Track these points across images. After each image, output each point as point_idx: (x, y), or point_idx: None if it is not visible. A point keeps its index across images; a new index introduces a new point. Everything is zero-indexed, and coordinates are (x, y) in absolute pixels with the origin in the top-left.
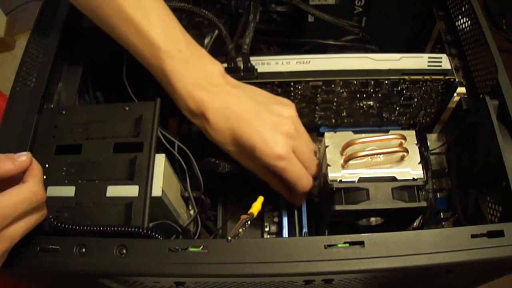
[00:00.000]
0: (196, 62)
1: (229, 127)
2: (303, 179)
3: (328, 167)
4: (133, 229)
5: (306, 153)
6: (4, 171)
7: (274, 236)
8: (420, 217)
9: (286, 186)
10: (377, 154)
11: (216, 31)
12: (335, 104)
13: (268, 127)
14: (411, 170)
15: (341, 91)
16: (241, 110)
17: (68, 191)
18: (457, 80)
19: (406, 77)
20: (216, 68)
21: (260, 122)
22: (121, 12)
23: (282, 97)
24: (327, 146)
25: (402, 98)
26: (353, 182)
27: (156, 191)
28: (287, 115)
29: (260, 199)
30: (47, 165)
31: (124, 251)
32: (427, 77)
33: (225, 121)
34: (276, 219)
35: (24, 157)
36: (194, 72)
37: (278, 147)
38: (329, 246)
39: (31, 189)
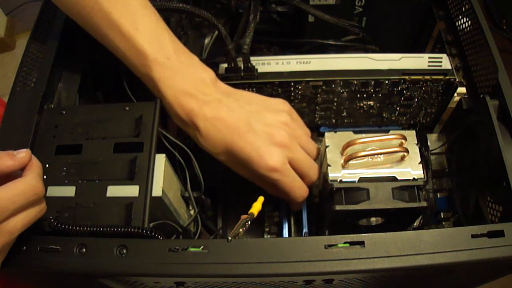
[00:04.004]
0: (185, 69)
1: (221, 138)
2: (297, 190)
3: (328, 167)
4: (133, 229)
5: (302, 161)
6: (4, 167)
7: (274, 236)
8: (420, 217)
9: (282, 193)
10: (378, 154)
11: (216, 31)
12: (335, 104)
13: (262, 139)
14: (412, 170)
15: (341, 91)
16: (233, 121)
17: (68, 191)
18: (457, 80)
19: (407, 77)
20: (207, 75)
21: (253, 134)
22: (109, 20)
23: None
24: (327, 146)
25: (402, 98)
26: (353, 182)
27: (157, 191)
28: (281, 123)
29: (261, 199)
30: (47, 165)
31: (124, 251)
32: (427, 77)
33: (217, 132)
34: (276, 219)
35: (23, 154)
36: (183, 80)
37: (272, 159)
38: (329, 246)
39: (29, 183)
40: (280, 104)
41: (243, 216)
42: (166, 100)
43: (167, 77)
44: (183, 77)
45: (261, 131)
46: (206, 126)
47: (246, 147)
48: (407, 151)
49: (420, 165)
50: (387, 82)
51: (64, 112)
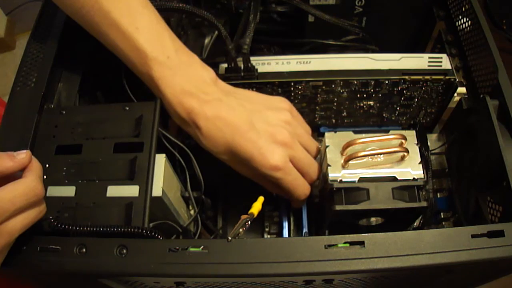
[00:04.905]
0: (185, 68)
1: (223, 137)
2: (300, 188)
3: (329, 167)
4: (133, 229)
5: (303, 160)
6: (4, 168)
7: (274, 236)
8: (420, 217)
9: (284, 191)
10: (378, 154)
11: (217, 31)
12: (335, 104)
13: (264, 137)
14: (412, 170)
15: (341, 91)
16: (234, 120)
17: (68, 191)
18: (457, 80)
19: (407, 77)
20: (207, 74)
21: (255, 132)
22: (109, 19)
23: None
24: (327, 146)
25: (402, 98)
26: (354, 182)
27: (157, 191)
28: (282, 122)
29: (261, 199)
30: (47, 165)
31: (124, 251)
32: (427, 77)
33: (218, 131)
34: (276, 219)
35: (23, 155)
36: (183, 79)
37: (274, 158)
38: (329, 246)
39: (29, 184)
40: (281, 102)
41: (243, 216)
42: (166, 100)
43: (167, 76)
44: (183, 76)
45: (263, 129)
46: (207, 125)
47: (248, 146)
48: (407, 151)
49: (420, 165)
50: (387, 82)
51: (64, 112)
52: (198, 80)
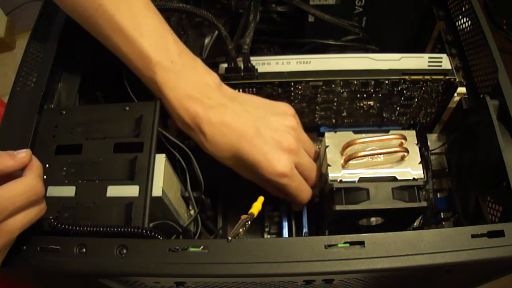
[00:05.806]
0: (189, 72)
1: (228, 143)
2: (303, 193)
3: (329, 167)
4: (133, 229)
5: (306, 165)
6: (4, 167)
7: (274, 236)
8: (420, 217)
9: (287, 195)
10: (378, 154)
11: (217, 31)
12: (335, 104)
13: (270, 144)
14: (412, 170)
15: (341, 91)
16: (239, 126)
17: (68, 191)
18: (457, 80)
19: (407, 77)
20: (211, 79)
21: (261, 139)
22: (112, 22)
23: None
24: (327, 146)
25: (402, 98)
26: (353, 182)
27: (157, 191)
28: (287, 128)
29: (261, 199)
30: (47, 165)
31: (125, 251)
32: (427, 77)
33: (223, 137)
34: (276, 219)
35: (23, 154)
36: (187, 83)
37: (280, 165)
38: (329, 246)
39: (29, 183)
40: (285, 108)
41: (243, 216)
42: (170, 104)
43: (171, 81)
44: (187, 80)
45: (269, 136)
46: (212, 130)
47: (254, 152)
48: (407, 151)
49: (420, 165)
50: (387, 82)
51: (64, 112)
52: (202, 85)
